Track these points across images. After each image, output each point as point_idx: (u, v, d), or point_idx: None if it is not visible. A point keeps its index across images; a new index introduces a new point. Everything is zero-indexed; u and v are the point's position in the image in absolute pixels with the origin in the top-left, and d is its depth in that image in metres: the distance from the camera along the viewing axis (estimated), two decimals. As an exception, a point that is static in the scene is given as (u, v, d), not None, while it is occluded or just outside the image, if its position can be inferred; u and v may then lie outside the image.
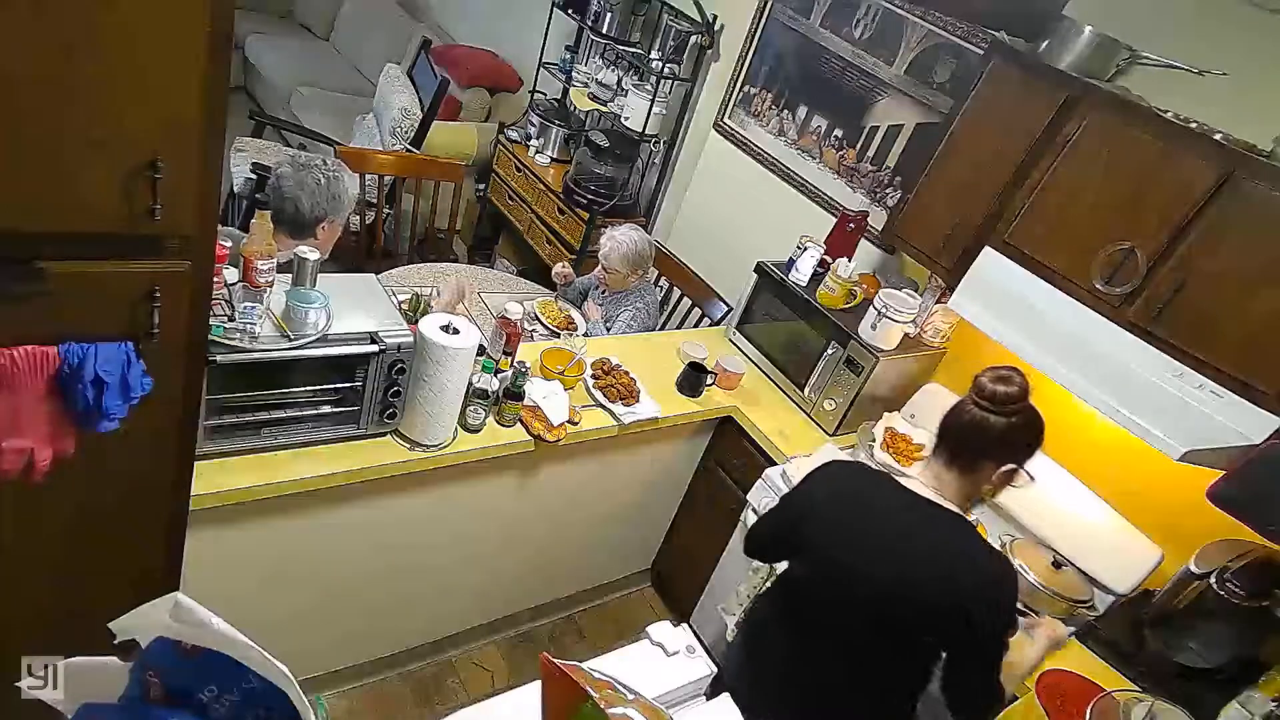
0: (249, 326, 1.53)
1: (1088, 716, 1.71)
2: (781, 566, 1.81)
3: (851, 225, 2.69)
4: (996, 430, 1.44)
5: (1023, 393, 1.43)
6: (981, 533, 1.99)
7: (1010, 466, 1.48)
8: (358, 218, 3.41)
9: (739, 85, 3.33)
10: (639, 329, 2.89)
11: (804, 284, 2.64)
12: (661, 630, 1.67)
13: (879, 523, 1.52)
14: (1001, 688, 1.50)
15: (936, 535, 1.47)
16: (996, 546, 2.12)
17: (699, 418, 2.52)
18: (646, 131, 3.44)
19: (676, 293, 3.32)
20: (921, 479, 1.55)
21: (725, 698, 1.63)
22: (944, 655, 1.52)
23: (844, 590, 1.53)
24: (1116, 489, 2.18)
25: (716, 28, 3.38)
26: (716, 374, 2.53)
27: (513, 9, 4.63)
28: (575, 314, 2.97)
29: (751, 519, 2.40)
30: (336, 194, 2.11)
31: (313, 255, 1.63)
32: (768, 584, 1.88)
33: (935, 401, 2.55)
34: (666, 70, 3.41)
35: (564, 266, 3.08)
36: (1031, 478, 1.51)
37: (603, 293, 3.00)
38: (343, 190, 2.13)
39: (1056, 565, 2.09)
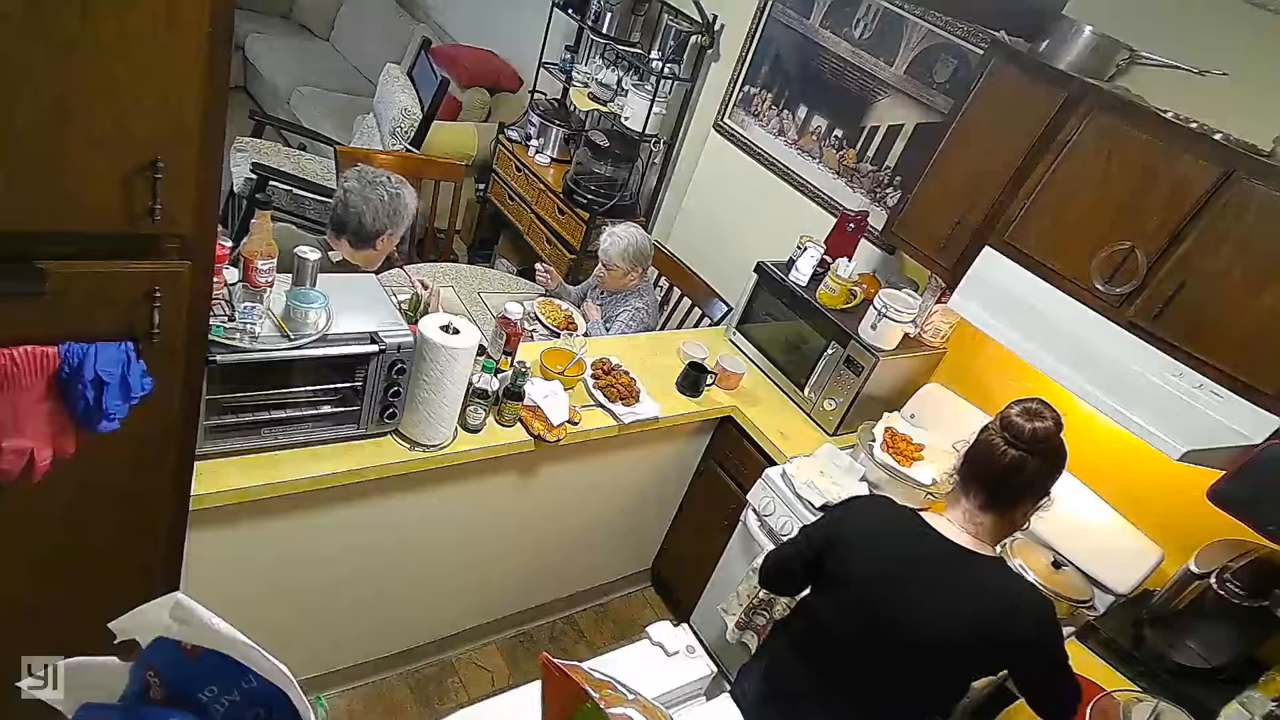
0: (249, 326, 1.53)
1: (1088, 716, 1.70)
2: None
3: (851, 225, 2.69)
4: (1035, 469, 1.41)
5: (1058, 427, 1.40)
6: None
7: (1045, 498, 1.46)
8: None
9: (739, 85, 3.33)
10: (638, 329, 2.89)
11: (804, 284, 2.64)
12: (661, 630, 1.67)
13: (922, 576, 1.46)
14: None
15: (983, 583, 1.45)
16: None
17: (699, 418, 2.52)
18: (646, 131, 3.44)
19: (676, 293, 3.32)
20: (951, 519, 1.50)
21: (725, 698, 1.63)
22: (1019, 686, 1.53)
23: (885, 642, 1.48)
24: (1116, 489, 2.18)
25: (716, 28, 3.38)
26: (716, 374, 2.53)
27: (513, 9, 4.64)
28: (575, 314, 2.97)
29: (751, 519, 2.40)
30: (397, 209, 2.29)
31: (313, 255, 1.63)
32: (787, 613, 1.84)
33: (935, 401, 2.55)
34: (666, 70, 3.41)
35: (548, 271, 3.11)
36: (1051, 499, 1.49)
37: (601, 293, 3.00)
38: (403, 206, 2.31)
39: (1056, 565, 2.09)
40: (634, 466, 2.56)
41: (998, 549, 1.50)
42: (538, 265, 3.16)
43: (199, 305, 1.35)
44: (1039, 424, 1.39)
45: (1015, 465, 1.40)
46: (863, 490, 2.27)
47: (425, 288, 2.31)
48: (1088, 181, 1.98)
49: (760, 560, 2.21)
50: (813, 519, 2.09)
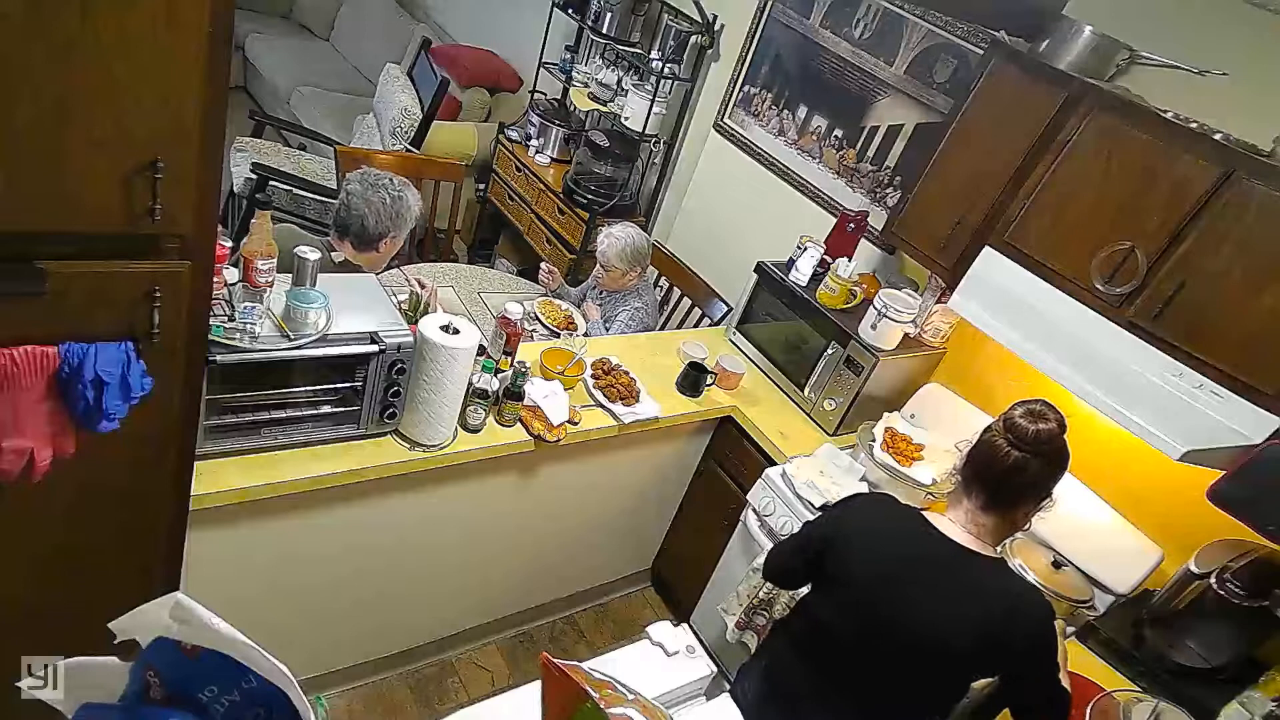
0: (249, 326, 1.53)
1: (1087, 716, 1.70)
2: (802, 591, 1.76)
3: (851, 225, 2.69)
4: (1037, 471, 1.41)
5: (1061, 428, 1.39)
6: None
7: (1047, 499, 1.46)
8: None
9: (739, 85, 3.33)
10: (638, 328, 2.89)
11: (804, 284, 2.64)
12: (661, 630, 1.67)
13: (923, 577, 1.46)
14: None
15: (985, 584, 1.44)
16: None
17: (699, 418, 2.52)
18: (646, 131, 3.44)
19: (676, 293, 3.32)
20: (952, 519, 1.49)
21: (725, 698, 1.63)
22: (1009, 694, 1.52)
23: (885, 643, 1.48)
24: (1116, 489, 2.19)
25: (716, 28, 3.38)
26: (716, 374, 2.53)
27: (513, 9, 4.64)
28: (575, 314, 2.97)
29: (751, 519, 2.40)
30: (399, 213, 2.30)
31: (313, 255, 1.63)
32: (787, 612, 1.85)
33: (935, 401, 2.55)
34: (666, 70, 3.41)
35: (550, 268, 3.10)
36: (1053, 500, 1.49)
37: (600, 292, 3.00)
38: (405, 209, 2.32)
39: (1056, 565, 2.09)
40: (634, 466, 2.56)
41: (998, 549, 1.50)
42: (542, 265, 3.16)
43: (199, 305, 1.35)
44: (1043, 425, 1.39)
45: (1017, 466, 1.40)
46: (863, 490, 2.27)
47: (423, 287, 2.31)
48: (1088, 181, 1.98)
49: (761, 559, 2.22)
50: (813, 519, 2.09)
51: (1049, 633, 1.44)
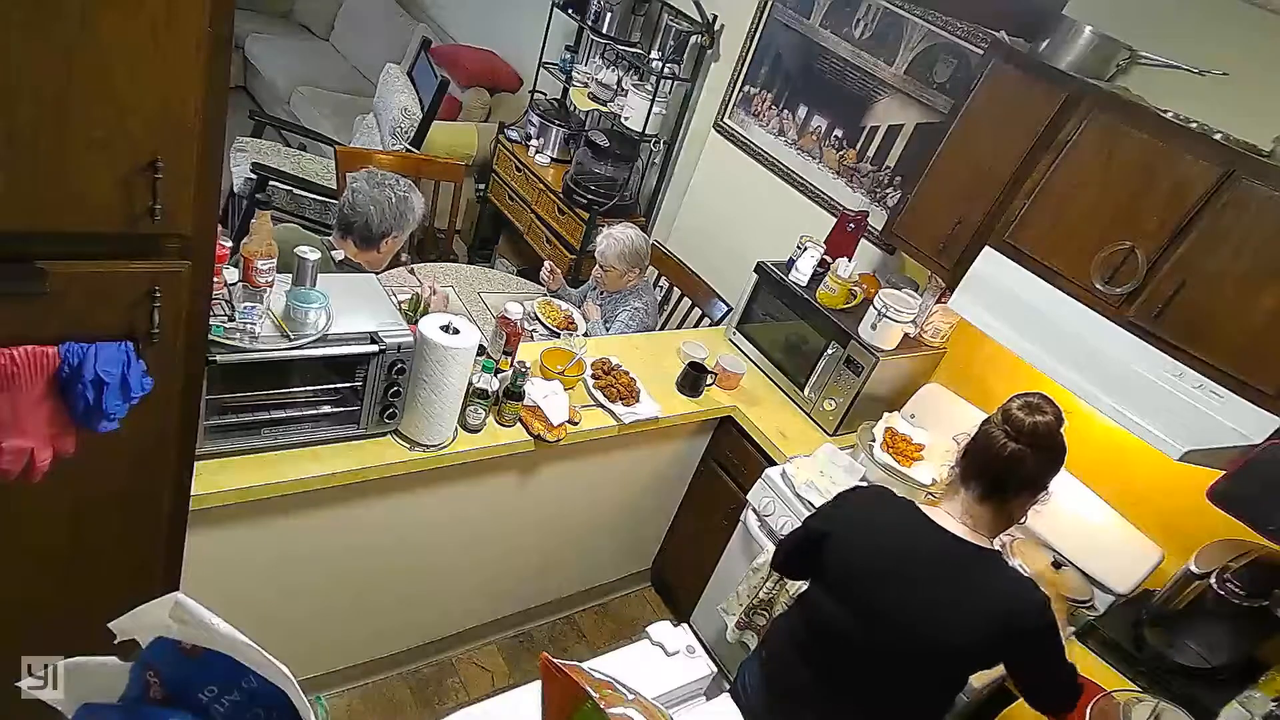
0: (249, 326, 1.53)
1: (1088, 716, 1.71)
2: (801, 586, 1.76)
3: (851, 225, 2.69)
4: (1034, 464, 1.41)
5: (1059, 422, 1.40)
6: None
7: (1043, 493, 1.46)
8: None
9: (739, 85, 3.33)
10: (638, 328, 2.89)
11: (804, 284, 2.64)
12: (661, 630, 1.67)
13: (923, 573, 1.46)
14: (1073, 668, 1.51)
15: (983, 580, 1.44)
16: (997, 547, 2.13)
17: (699, 418, 2.52)
18: (646, 131, 3.44)
19: (676, 293, 3.32)
20: (948, 511, 1.50)
21: (725, 698, 1.63)
22: (1017, 679, 1.52)
23: (885, 641, 1.48)
24: (1116, 489, 2.18)
25: (716, 28, 3.38)
26: (716, 374, 2.53)
27: (513, 9, 4.64)
28: (575, 314, 2.97)
29: (751, 519, 2.40)
30: (403, 213, 2.31)
31: (313, 255, 1.63)
32: (788, 605, 1.85)
33: (935, 401, 2.55)
34: (666, 70, 3.41)
35: (552, 268, 3.10)
36: (1049, 494, 1.49)
37: (600, 293, 3.00)
38: (410, 210, 2.32)
39: (1057, 565, 2.10)
40: (634, 466, 2.56)
41: (995, 543, 1.50)
42: (545, 265, 3.16)
43: (199, 305, 1.35)
44: (1040, 418, 1.39)
45: (1015, 459, 1.40)
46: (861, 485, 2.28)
47: (434, 292, 2.31)
48: (1088, 181, 1.98)
49: (761, 559, 2.22)
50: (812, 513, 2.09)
51: (1050, 624, 1.44)
